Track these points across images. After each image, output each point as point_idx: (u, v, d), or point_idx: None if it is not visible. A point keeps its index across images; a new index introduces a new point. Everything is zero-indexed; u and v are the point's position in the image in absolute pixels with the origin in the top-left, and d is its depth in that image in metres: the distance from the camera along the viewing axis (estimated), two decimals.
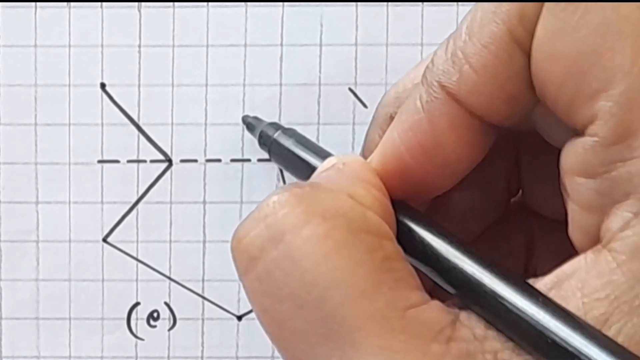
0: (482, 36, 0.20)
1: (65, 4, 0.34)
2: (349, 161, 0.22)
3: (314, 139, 0.34)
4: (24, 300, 0.34)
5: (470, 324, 0.19)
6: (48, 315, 0.34)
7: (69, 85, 0.34)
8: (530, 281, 0.20)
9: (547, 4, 0.20)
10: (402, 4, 0.34)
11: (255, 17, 0.34)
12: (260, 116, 0.34)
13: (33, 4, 0.34)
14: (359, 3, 0.34)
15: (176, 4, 0.34)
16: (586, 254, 0.19)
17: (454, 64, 0.21)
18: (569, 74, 0.19)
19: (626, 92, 0.18)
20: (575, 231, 0.20)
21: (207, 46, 0.34)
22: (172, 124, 0.34)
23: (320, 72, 0.34)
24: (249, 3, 0.34)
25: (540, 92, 0.20)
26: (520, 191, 0.26)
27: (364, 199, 0.21)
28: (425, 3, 0.34)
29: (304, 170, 0.28)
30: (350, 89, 0.34)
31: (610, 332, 0.18)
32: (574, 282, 0.19)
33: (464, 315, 0.20)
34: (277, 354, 0.34)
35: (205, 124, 0.34)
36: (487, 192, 0.25)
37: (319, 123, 0.34)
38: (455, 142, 0.21)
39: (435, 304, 0.20)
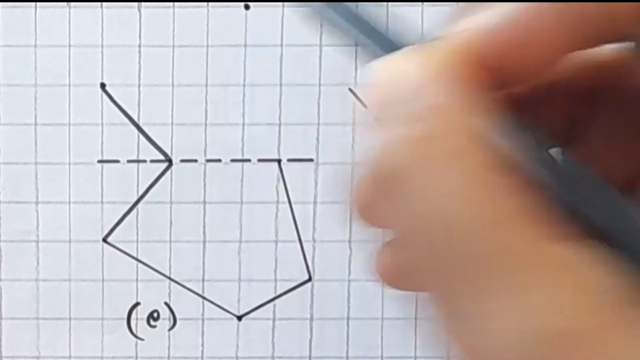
0: None
1: (65, 4, 0.34)
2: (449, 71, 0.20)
3: (314, 139, 0.34)
4: (24, 300, 0.34)
5: (616, 261, 0.18)
6: (48, 315, 0.34)
7: (69, 85, 0.34)
8: None
9: None
10: (402, 4, 0.34)
11: (255, 17, 0.34)
12: (260, 116, 0.34)
13: (33, 4, 0.34)
14: (359, 3, 0.34)
15: (176, 4, 0.34)
16: None
17: None
18: None
19: None
20: None
21: (207, 46, 0.34)
22: (172, 124, 0.34)
23: (320, 72, 0.34)
24: (249, 3, 0.34)
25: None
26: None
27: (485, 128, 0.19)
28: (425, 3, 0.34)
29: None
30: (350, 89, 0.34)
31: None
32: None
33: (604, 252, 0.19)
34: (277, 353, 0.34)
35: (205, 124, 0.34)
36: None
37: (319, 123, 0.34)
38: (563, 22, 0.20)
39: (580, 240, 0.19)
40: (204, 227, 0.34)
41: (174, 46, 0.34)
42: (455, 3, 0.33)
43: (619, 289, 0.18)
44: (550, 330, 0.18)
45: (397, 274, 0.22)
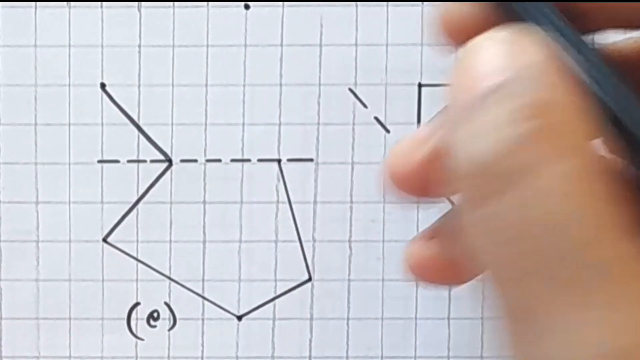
0: None
1: (65, 4, 0.34)
2: (543, 69, 0.19)
3: (313, 139, 0.34)
4: (24, 300, 0.34)
5: None
6: (48, 315, 0.34)
7: (69, 85, 0.34)
8: None
9: None
10: (402, 4, 0.34)
11: (255, 17, 0.34)
12: (260, 116, 0.34)
13: (33, 4, 0.34)
14: (359, 3, 0.34)
15: (176, 4, 0.34)
16: None
17: None
18: None
19: None
20: None
21: (207, 46, 0.34)
22: (172, 124, 0.34)
23: (320, 72, 0.34)
24: (249, 3, 0.34)
25: None
26: None
27: (591, 132, 0.18)
28: (425, 3, 0.34)
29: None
30: (350, 89, 0.34)
31: None
32: None
33: None
34: (277, 353, 0.34)
35: (205, 124, 0.34)
36: None
37: (319, 123, 0.34)
38: None
39: None
40: (204, 227, 0.34)
41: (174, 46, 0.34)
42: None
43: None
44: (629, 348, 0.17)
45: (440, 266, 0.22)
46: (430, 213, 0.27)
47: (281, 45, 0.34)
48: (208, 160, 0.34)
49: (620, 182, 0.18)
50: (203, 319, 0.35)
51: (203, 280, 0.34)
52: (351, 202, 0.34)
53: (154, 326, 0.34)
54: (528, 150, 0.18)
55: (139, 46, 0.34)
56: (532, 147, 0.18)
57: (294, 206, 0.34)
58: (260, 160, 0.34)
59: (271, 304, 0.35)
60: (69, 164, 0.34)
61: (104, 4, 0.34)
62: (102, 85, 0.34)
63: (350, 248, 0.34)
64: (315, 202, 0.34)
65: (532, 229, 0.18)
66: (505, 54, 0.19)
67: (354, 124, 0.34)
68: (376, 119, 0.34)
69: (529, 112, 0.18)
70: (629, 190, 0.18)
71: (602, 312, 0.17)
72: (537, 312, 0.18)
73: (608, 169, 0.18)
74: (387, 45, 0.34)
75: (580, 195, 0.18)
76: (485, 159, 0.18)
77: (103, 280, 0.34)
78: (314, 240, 0.34)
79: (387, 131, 0.34)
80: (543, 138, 0.18)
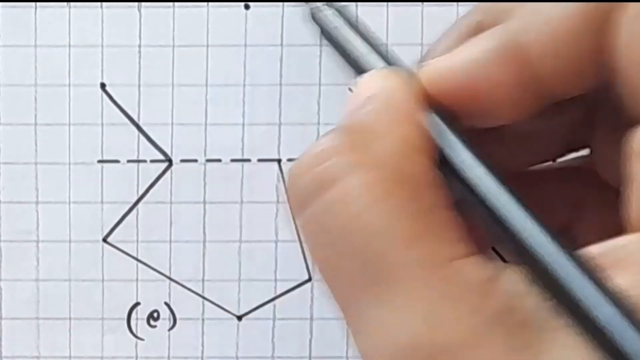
0: (569, 3, 0.20)
1: (65, 4, 0.34)
2: (390, 90, 0.22)
3: (314, 139, 0.34)
4: (24, 300, 0.34)
5: (513, 280, 0.19)
6: (48, 315, 0.34)
7: (69, 85, 0.34)
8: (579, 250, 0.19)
9: None
10: (402, 4, 0.34)
11: (255, 17, 0.34)
12: (260, 116, 0.34)
13: (33, 4, 0.34)
14: (358, 3, 0.34)
15: (176, 4, 0.34)
16: None
17: (535, 22, 0.21)
18: None
19: None
20: (632, 213, 0.19)
21: (207, 46, 0.34)
22: (172, 124, 0.34)
23: (320, 72, 0.34)
24: (249, 3, 0.34)
25: (620, 73, 0.20)
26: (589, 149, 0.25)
27: (409, 142, 0.20)
28: (425, 3, 0.34)
29: (355, 62, 0.26)
30: (350, 89, 0.34)
31: None
32: (627, 255, 0.18)
33: (508, 271, 0.19)
34: (277, 353, 0.34)
35: (205, 124, 0.34)
36: (546, 132, 0.25)
37: (319, 123, 0.34)
38: (509, 97, 0.21)
39: (479, 257, 0.20)
40: (204, 227, 0.34)
41: (174, 46, 0.34)
42: (455, 3, 0.33)
43: (513, 311, 0.18)
44: (423, 344, 0.19)
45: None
46: None
47: (281, 45, 0.34)
48: (208, 160, 0.34)
49: (438, 194, 0.20)
50: (203, 319, 0.35)
51: (203, 280, 0.34)
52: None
53: (154, 326, 0.34)
54: (335, 161, 0.20)
55: (139, 46, 0.34)
56: (339, 158, 0.20)
57: None
58: (260, 160, 0.34)
59: (271, 304, 0.35)
60: (69, 164, 0.34)
61: (104, 4, 0.34)
62: (102, 85, 0.34)
63: None
64: None
65: (338, 234, 0.20)
66: (364, 87, 0.22)
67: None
68: None
69: (345, 128, 0.21)
70: (446, 202, 0.20)
71: (394, 310, 0.19)
72: (349, 309, 0.20)
73: (422, 182, 0.20)
74: (387, 45, 0.34)
75: (378, 204, 0.19)
76: (300, 168, 0.21)
77: (103, 280, 0.34)
78: None
79: None
80: (348, 151, 0.20)
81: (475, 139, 0.22)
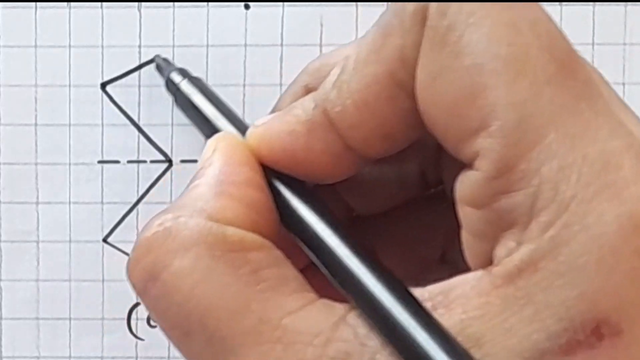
0: (365, 74, 0.21)
1: (65, 4, 0.34)
2: (219, 155, 0.23)
3: None
4: (24, 300, 0.34)
5: (355, 323, 0.20)
6: (48, 315, 0.34)
7: (69, 85, 0.34)
8: (419, 288, 0.20)
9: (422, 45, 0.20)
10: None
11: (255, 17, 0.34)
12: (260, 116, 0.34)
13: (33, 4, 0.34)
14: (359, 3, 0.34)
15: (176, 4, 0.34)
16: (475, 272, 0.20)
17: (339, 96, 0.22)
18: (451, 115, 0.20)
19: (502, 128, 0.19)
20: (469, 256, 0.20)
21: (208, 46, 0.34)
22: (172, 124, 0.34)
23: None
24: (249, 3, 0.34)
25: (430, 130, 0.21)
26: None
27: (225, 212, 0.21)
28: None
29: (204, 127, 0.28)
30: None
31: (479, 352, 0.18)
32: (459, 295, 0.19)
33: (351, 314, 0.20)
34: None
35: None
36: (398, 173, 0.26)
37: None
38: (326, 163, 0.22)
39: (319, 304, 0.20)
40: None
41: (173, 46, 0.34)
42: None
43: (351, 357, 0.19)
44: None
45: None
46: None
47: (281, 45, 0.34)
48: None
49: (264, 254, 0.21)
50: None
51: None
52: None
53: (154, 326, 0.34)
54: (160, 251, 0.21)
55: (139, 46, 0.34)
56: (163, 245, 0.21)
57: None
58: None
59: None
60: (69, 164, 0.34)
61: (104, 4, 0.34)
62: (102, 85, 0.34)
63: None
64: None
65: (176, 315, 0.21)
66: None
67: None
68: None
69: (166, 215, 0.22)
70: (275, 259, 0.21)
71: None
72: None
73: (233, 249, 0.21)
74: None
75: (204, 281, 0.20)
76: (133, 259, 0.22)
77: (103, 280, 0.34)
78: None
79: None
80: (170, 237, 0.21)
81: (325, 190, 0.23)
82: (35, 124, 0.34)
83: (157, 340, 0.34)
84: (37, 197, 0.34)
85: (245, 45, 0.34)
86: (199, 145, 0.34)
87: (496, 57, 0.19)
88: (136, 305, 0.34)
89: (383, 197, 0.26)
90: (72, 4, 0.34)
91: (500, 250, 0.19)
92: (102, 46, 0.34)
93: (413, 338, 0.19)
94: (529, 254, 0.19)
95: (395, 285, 0.20)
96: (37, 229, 0.34)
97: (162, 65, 0.33)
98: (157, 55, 0.33)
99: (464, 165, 0.20)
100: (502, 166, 0.19)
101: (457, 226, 0.23)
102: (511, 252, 0.19)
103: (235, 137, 0.24)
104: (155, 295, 0.21)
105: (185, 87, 0.30)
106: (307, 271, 0.22)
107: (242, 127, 0.26)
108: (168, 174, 0.34)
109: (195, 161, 0.34)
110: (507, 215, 0.19)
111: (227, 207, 0.21)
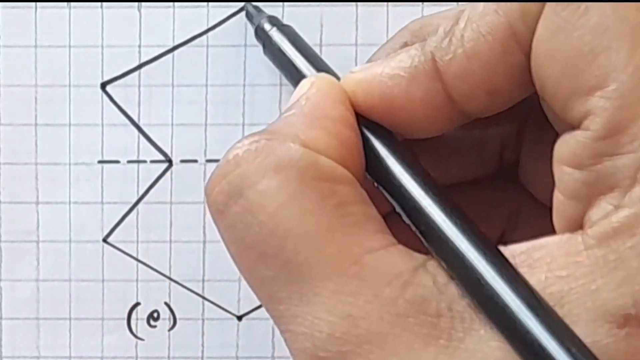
0: (481, 24, 0.21)
1: (65, 4, 0.34)
2: (316, 90, 0.23)
3: None
4: (24, 300, 0.34)
5: (435, 272, 0.20)
6: (48, 315, 0.34)
7: (69, 85, 0.34)
8: (501, 246, 0.20)
9: (549, 3, 0.20)
10: (402, 4, 0.34)
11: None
12: (260, 116, 0.34)
13: (33, 4, 0.34)
14: (359, 3, 0.34)
15: (176, 4, 0.34)
16: (562, 235, 0.19)
17: (450, 43, 0.21)
18: (567, 72, 0.20)
19: (619, 90, 0.19)
20: (558, 219, 0.20)
21: (207, 46, 0.34)
22: (172, 124, 0.34)
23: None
24: (249, 3, 0.34)
25: (540, 88, 0.21)
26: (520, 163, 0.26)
27: (318, 142, 0.21)
28: (425, 3, 0.34)
29: (293, 74, 0.28)
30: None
31: (561, 311, 0.18)
32: (543, 255, 0.19)
33: (431, 262, 0.20)
34: (277, 354, 0.34)
35: (205, 124, 0.34)
36: (479, 145, 0.26)
37: None
38: (423, 114, 0.22)
39: (399, 248, 0.20)
40: (204, 227, 0.34)
41: (173, 46, 0.34)
42: (455, 3, 0.33)
43: (428, 302, 0.19)
44: (341, 337, 0.19)
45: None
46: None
47: None
48: (208, 161, 0.34)
49: (353, 190, 0.21)
50: (203, 319, 0.35)
51: (203, 280, 0.34)
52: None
53: (154, 326, 0.34)
54: (247, 167, 0.21)
55: (139, 46, 0.34)
56: (252, 163, 0.21)
57: None
58: None
59: None
60: (69, 164, 0.34)
61: (104, 4, 0.34)
62: (102, 85, 0.34)
63: None
64: None
65: (255, 236, 0.20)
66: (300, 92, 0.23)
67: None
68: None
69: (259, 136, 0.21)
70: (362, 197, 0.21)
71: (313, 307, 0.20)
72: (273, 308, 0.21)
73: (323, 178, 0.20)
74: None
75: (289, 205, 0.20)
76: (216, 176, 0.21)
77: (103, 280, 0.34)
78: None
79: None
80: (261, 155, 0.21)
81: (409, 149, 0.23)
82: (35, 124, 0.34)
83: (157, 340, 0.35)
84: (37, 197, 0.34)
85: (245, 45, 0.34)
86: (199, 145, 0.34)
87: (623, 20, 0.19)
88: (136, 305, 0.34)
89: (458, 168, 0.26)
90: (72, 4, 0.34)
91: (595, 213, 0.19)
92: (102, 46, 0.34)
93: (495, 290, 0.19)
94: (628, 217, 0.18)
95: (480, 238, 0.20)
96: (37, 229, 0.34)
97: (252, 13, 0.32)
98: (248, 3, 0.33)
99: (570, 127, 0.20)
100: (612, 127, 0.19)
101: (521, 210, 0.23)
102: (609, 214, 0.19)
103: (333, 79, 0.24)
104: (237, 212, 0.21)
105: (276, 35, 0.30)
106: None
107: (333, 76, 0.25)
108: (168, 174, 0.34)
109: (195, 161, 0.34)
110: (609, 177, 0.19)
111: (321, 138, 0.21)
